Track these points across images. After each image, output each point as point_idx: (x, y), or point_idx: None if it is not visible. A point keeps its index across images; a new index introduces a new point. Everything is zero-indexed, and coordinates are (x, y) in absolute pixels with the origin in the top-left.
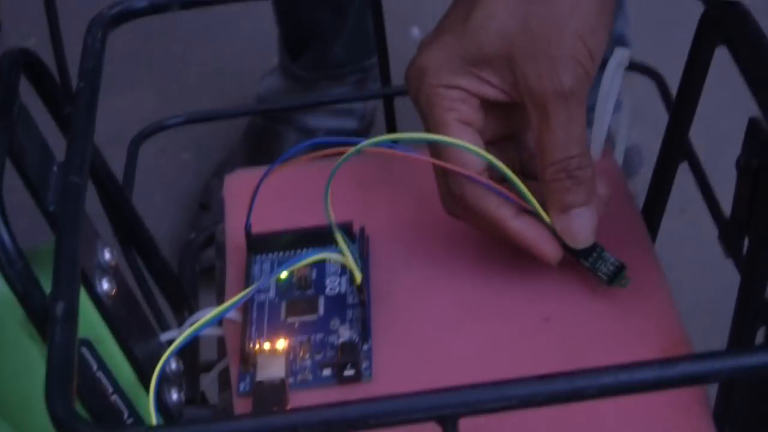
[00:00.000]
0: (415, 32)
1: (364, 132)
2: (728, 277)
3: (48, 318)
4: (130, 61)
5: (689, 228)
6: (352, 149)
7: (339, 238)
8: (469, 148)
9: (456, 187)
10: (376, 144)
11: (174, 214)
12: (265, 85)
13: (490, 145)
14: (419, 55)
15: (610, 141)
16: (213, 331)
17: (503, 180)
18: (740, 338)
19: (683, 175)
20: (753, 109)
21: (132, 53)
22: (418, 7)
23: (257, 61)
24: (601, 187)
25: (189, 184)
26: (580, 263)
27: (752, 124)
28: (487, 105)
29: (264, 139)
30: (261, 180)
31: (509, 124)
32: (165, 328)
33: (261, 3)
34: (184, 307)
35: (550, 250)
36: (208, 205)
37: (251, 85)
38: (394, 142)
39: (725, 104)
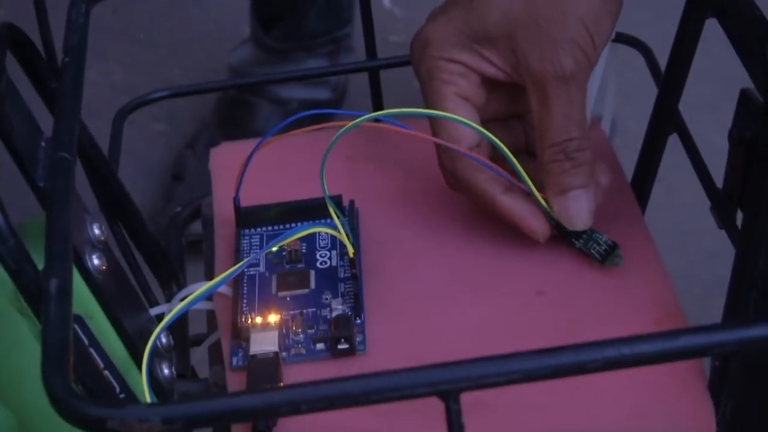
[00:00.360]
0: (386, 2)
1: (337, 102)
2: (703, 245)
3: (41, 294)
4: (99, 33)
5: (666, 196)
6: (351, 123)
7: (332, 210)
8: (463, 122)
9: (447, 161)
10: (375, 118)
11: (146, 186)
12: (236, 56)
13: (496, 122)
14: (425, 27)
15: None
16: (203, 306)
17: (502, 158)
18: (736, 309)
19: None
20: (726, 80)
21: (100, 25)
22: None
23: (228, 31)
24: (603, 176)
25: (161, 155)
26: (572, 245)
27: (744, 95)
28: (490, 83)
29: (236, 109)
30: (251, 153)
31: (515, 104)
32: (153, 303)
33: None
34: (172, 282)
35: (538, 227)
36: (181, 176)
37: (222, 56)
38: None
39: (696, 73)
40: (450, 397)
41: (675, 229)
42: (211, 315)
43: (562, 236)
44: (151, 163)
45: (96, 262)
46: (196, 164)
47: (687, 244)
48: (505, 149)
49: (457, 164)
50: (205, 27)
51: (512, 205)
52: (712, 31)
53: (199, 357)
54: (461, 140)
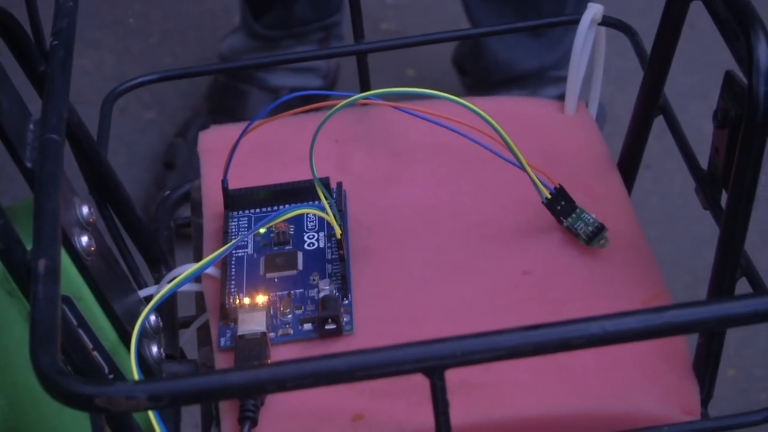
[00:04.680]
0: None
1: (328, 90)
2: (692, 233)
3: (30, 275)
4: (91, 20)
5: (654, 183)
6: (341, 103)
7: (320, 192)
8: (451, 99)
9: None
10: (367, 97)
11: (137, 174)
12: (227, 44)
13: None
14: None
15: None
16: (191, 287)
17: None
18: (720, 289)
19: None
20: (713, 67)
21: (92, 13)
22: None
23: (219, 20)
24: None
25: (152, 143)
26: (560, 223)
27: (728, 76)
28: None
29: (227, 97)
30: (240, 136)
31: None
32: (142, 285)
33: None
34: (161, 264)
35: None
36: (172, 164)
37: (213, 45)
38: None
39: (688, 62)
40: (435, 373)
41: (664, 216)
42: (199, 297)
43: (550, 215)
44: (143, 151)
45: (85, 243)
46: (187, 152)
47: (676, 232)
48: (495, 124)
49: None
50: (196, 15)
51: None
52: (701, 20)
53: (187, 339)
54: None
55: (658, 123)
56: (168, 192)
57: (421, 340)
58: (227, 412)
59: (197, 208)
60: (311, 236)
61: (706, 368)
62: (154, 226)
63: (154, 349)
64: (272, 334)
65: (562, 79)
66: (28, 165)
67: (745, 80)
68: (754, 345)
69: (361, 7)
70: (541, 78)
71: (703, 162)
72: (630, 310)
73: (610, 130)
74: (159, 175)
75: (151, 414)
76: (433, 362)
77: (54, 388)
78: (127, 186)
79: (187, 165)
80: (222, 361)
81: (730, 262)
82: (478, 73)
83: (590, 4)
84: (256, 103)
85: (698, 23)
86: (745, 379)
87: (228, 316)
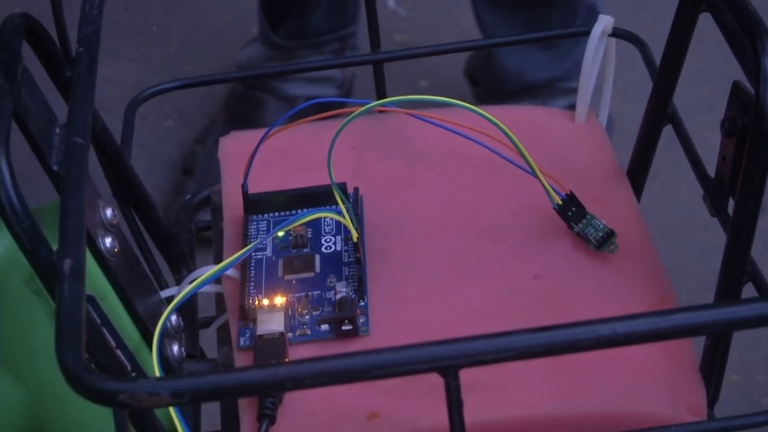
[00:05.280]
0: (391, 3)
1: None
2: (699, 241)
3: (56, 274)
4: (113, 30)
5: (661, 192)
6: (358, 110)
7: (338, 197)
8: (466, 107)
9: None
10: (383, 105)
11: (157, 179)
12: (245, 54)
13: None
14: None
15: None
16: (211, 288)
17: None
18: (727, 293)
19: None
20: (719, 80)
21: (114, 23)
22: None
23: (238, 30)
24: None
25: (171, 150)
26: (571, 228)
27: (736, 86)
28: None
29: (244, 106)
30: (260, 141)
31: None
32: (163, 286)
33: None
34: (182, 266)
35: None
36: (191, 170)
37: (232, 55)
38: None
39: (694, 75)
40: (449, 373)
41: (672, 224)
42: (219, 298)
43: (561, 220)
44: (162, 158)
45: (108, 244)
46: (205, 159)
47: (683, 240)
48: (508, 131)
49: None
50: (216, 26)
51: None
52: (708, 34)
53: (207, 338)
54: None
55: (665, 134)
56: (189, 196)
57: (435, 341)
58: (246, 410)
59: (217, 211)
60: (328, 239)
61: (712, 371)
62: (175, 229)
63: (175, 348)
64: (290, 335)
65: (572, 91)
66: (54, 168)
67: (752, 90)
68: (757, 351)
69: (366, 16)
70: (551, 89)
71: (710, 171)
72: (639, 313)
73: (618, 140)
74: (178, 181)
75: (172, 411)
76: (447, 362)
77: (79, 384)
78: (149, 191)
79: (205, 171)
80: (241, 360)
81: (736, 267)
82: (490, 84)
83: (601, 16)
84: (273, 111)
85: (705, 37)
86: (748, 384)
87: (247, 316)
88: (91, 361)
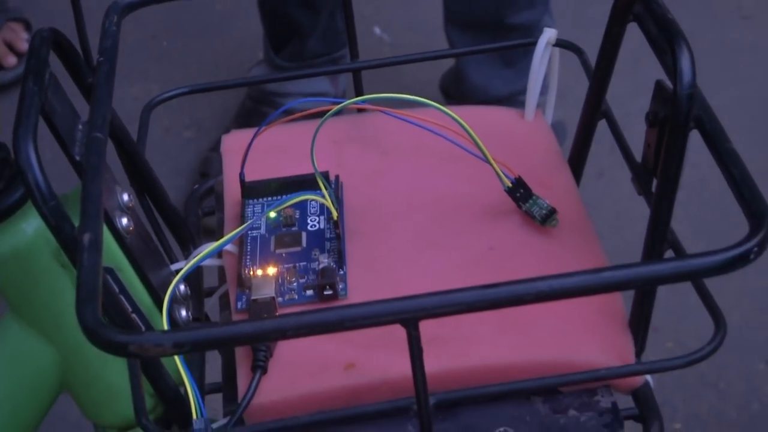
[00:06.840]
0: (377, 30)
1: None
2: (637, 229)
3: (77, 247)
4: (141, 55)
5: (607, 189)
6: (336, 107)
7: (321, 183)
8: (433, 105)
9: None
10: (356, 102)
11: (179, 183)
12: (253, 73)
13: None
14: None
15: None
16: (214, 262)
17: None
18: (650, 257)
19: (599, 144)
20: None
21: (142, 48)
22: (379, 9)
23: (247, 55)
24: None
25: (191, 157)
26: (519, 207)
27: (658, 84)
28: None
29: (252, 118)
30: (254, 137)
31: None
32: (173, 260)
33: (250, 7)
34: (189, 243)
35: None
36: (207, 174)
37: (242, 74)
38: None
39: (634, 89)
40: (410, 324)
41: (614, 216)
42: (221, 271)
43: (511, 200)
44: (183, 164)
45: (125, 223)
46: (220, 164)
47: (624, 228)
48: (467, 126)
49: None
50: (229, 51)
51: None
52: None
53: (211, 305)
54: None
55: (610, 138)
56: (196, 186)
57: (398, 297)
58: (242, 362)
59: (220, 199)
60: (313, 219)
61: (639, 325)
62: (184, 214)
63: (183, 313)
64: (280, 299)
65: (523, 91)
66: (77, 158)
67: (671, 87)
68: (688, 319)
69: (359, 44)
70: (512, 102)
71: (638, 158)
72: (573, 271)
73: (568, 145)
74: (196, 183)
75: (178, 361)
76: (408, 314)
77: (95, 337)
78: (170, 192)
79: (219, 174)
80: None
81: (658, 236)
82: (460, 98)
83: (546, 29)
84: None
85: (642, 57)
86: (680, 349)
87: (244, 284)
88: (110, 323)
